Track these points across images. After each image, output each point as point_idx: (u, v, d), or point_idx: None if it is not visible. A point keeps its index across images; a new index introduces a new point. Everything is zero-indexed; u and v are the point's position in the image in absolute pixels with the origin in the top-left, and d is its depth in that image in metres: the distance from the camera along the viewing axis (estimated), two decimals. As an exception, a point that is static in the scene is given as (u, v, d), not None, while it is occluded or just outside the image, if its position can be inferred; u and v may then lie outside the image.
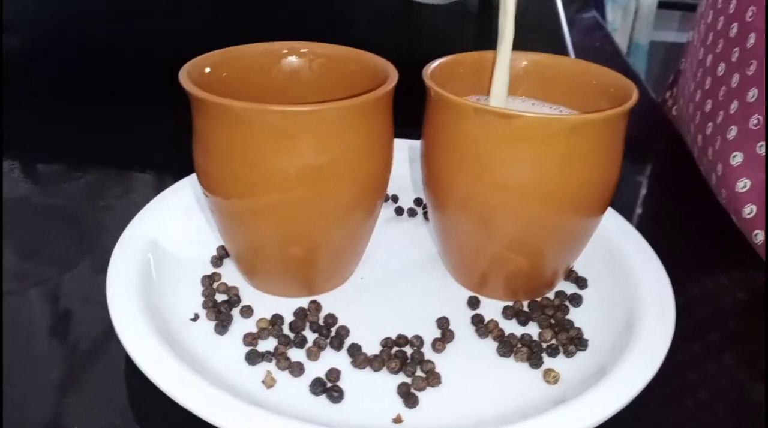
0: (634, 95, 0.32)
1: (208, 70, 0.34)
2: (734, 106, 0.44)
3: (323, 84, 0.37)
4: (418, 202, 0.45)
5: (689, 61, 0.56)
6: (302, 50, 0.37)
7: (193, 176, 0.41)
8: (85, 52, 0.72)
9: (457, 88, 0.37)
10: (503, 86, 0.36)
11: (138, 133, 0.56)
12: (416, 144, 0.48)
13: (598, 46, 0.87)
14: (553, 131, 0.30)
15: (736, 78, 0.44)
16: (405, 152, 0.47)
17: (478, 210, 0.33)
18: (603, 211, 0.34)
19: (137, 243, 0.36)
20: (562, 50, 0.76)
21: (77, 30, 0.77)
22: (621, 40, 1.39)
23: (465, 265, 0.37)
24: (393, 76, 0.33)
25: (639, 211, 0.50)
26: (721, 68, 0.46)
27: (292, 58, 0.37)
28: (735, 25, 0.45)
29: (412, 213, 0.44)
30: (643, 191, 0.53)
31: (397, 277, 0.38)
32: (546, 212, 0.32)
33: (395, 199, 0.45)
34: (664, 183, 0.55)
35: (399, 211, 0.44)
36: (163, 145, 0.52)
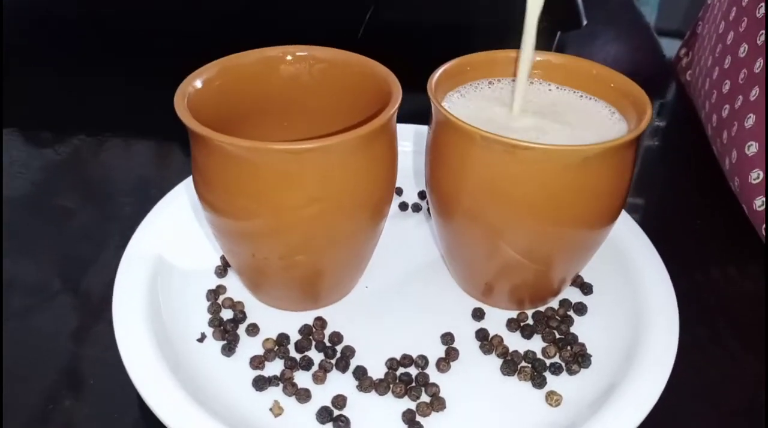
0: (648, 114, 0.31)
1: (199, 84, 0.32)
2: (755, 92, 0.42)
3: (324, 88, 0.36)
4: (422, 195, 0.45)
5: (708, 29, 0.54)
6: (301, 54, 0.35)
7: (188, 181, 0.41)
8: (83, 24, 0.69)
9: (466, 78, 0.36)
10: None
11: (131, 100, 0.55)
12: (422, 130, 0.47)
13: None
14: (563, 162, 0.29)
15: (760, 63, 0.42)
16: (410, 140, 0.46)
17: (485, 224, 0.32)
18: (614, 220, 0.34)
19: (141, 260, 0.36)
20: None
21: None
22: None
23: (470, 275, 0.36)
24: (396, 92, 0.31)
25: (645, 190, 0.49)
26: (744, 50, 0.44)
27: (291, 64, 0.35)
28: (762, 5, 0.42)
29: (416, 208, 0.44)
30: (651, 169, 0.52)
31: (402, 285, 0.37)
32: (556, 228, 0.32)
33: (399, 191, 0.45)
34: (673, 160, 0.53)
35: (403, 207, 0.44)
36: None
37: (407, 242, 0.41)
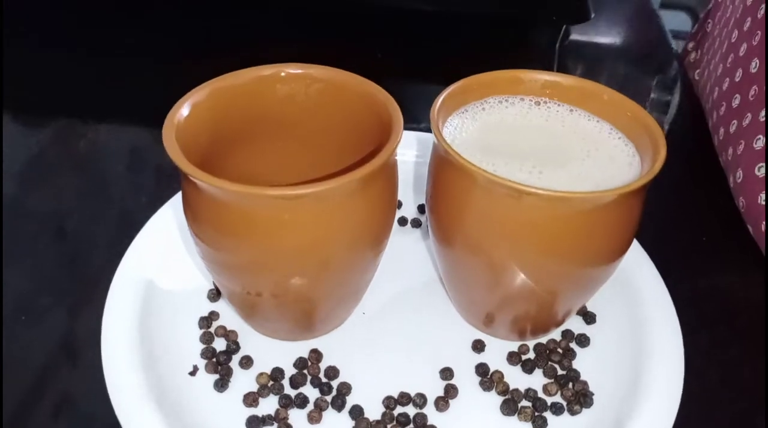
0: (662, 154, 0.29)
1: (188, 111, 0.30)
2: (765, 113, 0.41)
3: (321, 109, 0.34)
4: (422, 208, 0.43)
5: (719, 32, 0.52)
6: (296, 73, 0.34)
7: (175, 200, 0.39)
8: None
9: (471, 96, 0.34)
10: None
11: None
12: (425, 138, 0.46)
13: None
14: (568, 209, 0.28)
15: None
16: (413, 148, 0.44)
17: (486, 259, 0.31)
18: (623, 255, 0.32)
19: (130, 287, 0.35)
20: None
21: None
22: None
23: (470, 304, 0.35)
24: (397, 125, 0.30)
25: (649, 202, 0.48)
26: (755, 65, 0.42)
27: (286, 84, 0.33)
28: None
29: (416, 223, 0.42)
30: (655, 178, 0.50)
31: (400, 311, 0.36)
32: (561, 267, 0.30)
33: (399, 204, 0.43)
34: (679, 168, 0.52)
35: (402, 222, 0.42)
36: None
37: (406, 261, 0.39)
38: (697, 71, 0.58)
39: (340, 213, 0.28)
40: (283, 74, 0.33)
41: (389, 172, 0.30)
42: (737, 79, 0.44)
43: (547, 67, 0.62)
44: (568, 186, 0.30)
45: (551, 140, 0.33)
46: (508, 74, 0.34)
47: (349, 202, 0.28)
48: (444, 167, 0.31)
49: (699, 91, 0.55)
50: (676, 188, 0.50)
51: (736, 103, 0.44)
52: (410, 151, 0.45)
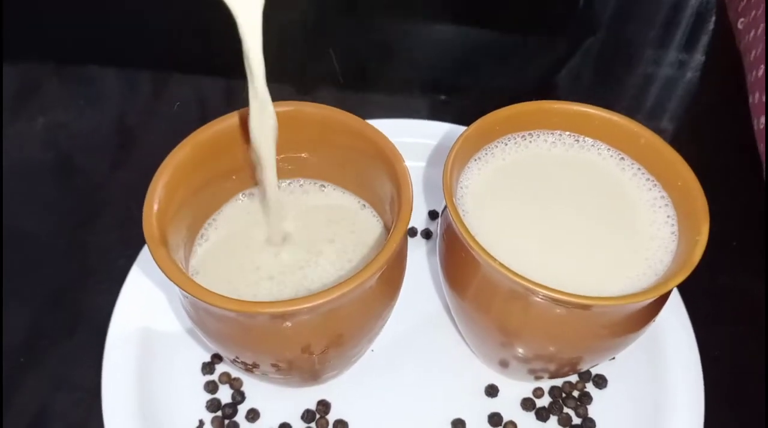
0: (703, 235, 0.26)
1: (162, 189, 0.27)
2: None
3: (318, 141, 0.31)
4: (433, 215, 0.40)
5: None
6: (287, 110, 0.30)
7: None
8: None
9: (492, 136, 0.31)
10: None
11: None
12: (439, 130, 0.42)
13: None
14: (588, 315, 0.25)
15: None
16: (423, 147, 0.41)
17: (498, 324, 0.29)
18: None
19: (127, 340, 0.33)
20: None
21: None
22: None
23: (483, 351, 0.34)
24: (405, 191, 0.27)
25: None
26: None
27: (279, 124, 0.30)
28: None
29: (426, 234, 0.39)
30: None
31: (410, 349, 0.35)
32: (581, 345, 0.28)
33: (407, 211, 0.40)
34: (709, 140, 0.47)
35: (412, 233, 0.40)
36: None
37: (416, 282, 0.37)
38: (741, 20, 0.51)
39: (343, 314, 0.25)
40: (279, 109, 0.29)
41: (398, 251, 0.27)
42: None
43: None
44: (592, 263, 0.27)
45: (578, 191, 0.30)
46: (532, 107, 0.30)
47: (353, 303, 0.25)
48: (455, 240, 0.28)
49: (742, 48, 0.50)
50: (707, 174, 0.46)
51: (785, 94, 0.39)
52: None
